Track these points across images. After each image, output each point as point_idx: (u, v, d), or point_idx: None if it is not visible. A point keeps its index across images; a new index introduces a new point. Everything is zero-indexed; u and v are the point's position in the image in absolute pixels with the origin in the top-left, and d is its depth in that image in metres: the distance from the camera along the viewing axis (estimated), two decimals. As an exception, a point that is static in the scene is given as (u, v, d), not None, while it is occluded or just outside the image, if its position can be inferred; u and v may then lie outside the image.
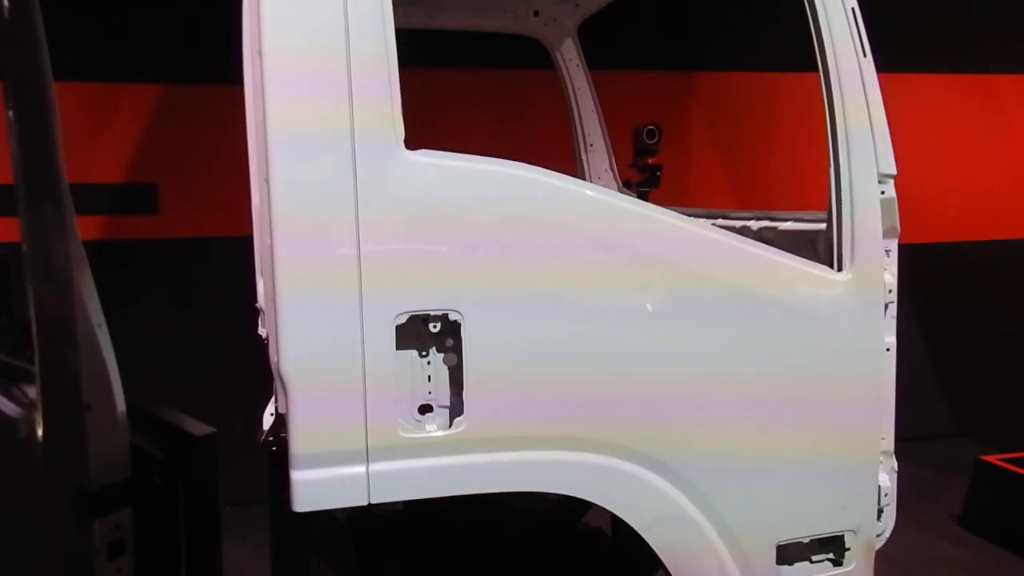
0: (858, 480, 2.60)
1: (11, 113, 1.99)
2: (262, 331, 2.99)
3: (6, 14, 1.93)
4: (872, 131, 2.52)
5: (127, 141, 5.58)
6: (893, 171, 2.54)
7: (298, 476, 2.10)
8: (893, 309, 2.61)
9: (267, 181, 2.05)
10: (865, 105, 2.52)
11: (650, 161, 4.02)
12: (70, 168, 5.29)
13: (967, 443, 7.06)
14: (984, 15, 7.14)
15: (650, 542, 2.39)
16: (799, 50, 2.64)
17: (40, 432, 1.97)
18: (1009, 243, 7.47)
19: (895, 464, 2.69)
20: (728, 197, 6.65)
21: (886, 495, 2.64)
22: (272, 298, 2.07)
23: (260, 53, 2.02)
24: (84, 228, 5.47)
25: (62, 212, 2.00)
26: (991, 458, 5.65)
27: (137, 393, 2.43)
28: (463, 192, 2.17)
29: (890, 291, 2.58)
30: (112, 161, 5.55)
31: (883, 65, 2.60)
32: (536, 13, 4.42)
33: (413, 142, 2.16)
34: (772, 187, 6.59)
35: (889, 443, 2.65)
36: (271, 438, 2.53)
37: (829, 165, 2.53)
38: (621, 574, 3.41)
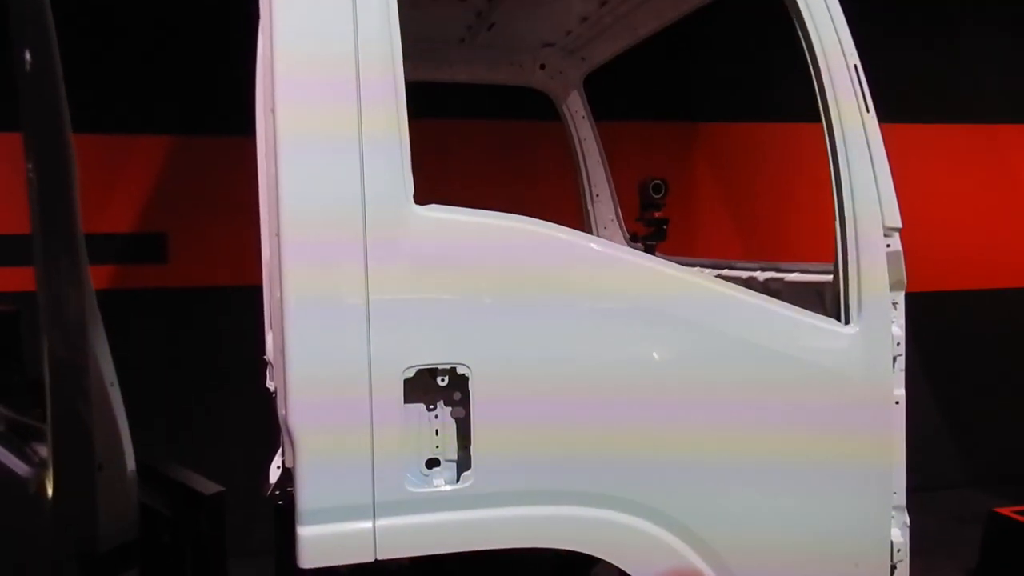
0: (870, 536, 2.56)
1: (31, 165, 2.01)
2: (270, 384, 2.99)
3: (28, 67, 1.96)
4: (877, 185, 2.53)
5: (137, 191, 5.64)
6: (898, 224, 2.55)
7: (304, 531, 2.09)
8: (902, 362, 2.59)
9: (278, 236, 2.07)
10: (869, 160, 2.54)
11: (656, 215, 4.05)
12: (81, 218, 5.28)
13: (980, 494, 6.97)
14: (986, 65, 7.22)
15: (660, 599, 2.36)
16: (804, 101, 2.67)
17: (50, 491, 1.96)
18: (1018, 291, 7.45)
19: (907, 519, 2.65)
20: (734, 247, 6.67)
21: (899, 551, 2.60)
22: (281, 351, 2.08)
23: (273, 110, 2.06)
24: (94, 277, 5.49)
25: (78, 266, 2.01)
26: (1005, 510, 5.57)
27: (145, 444, 2.42)
28: (471, 246, 2.19)
29: (898, 344, 2.57)
30: (122, 211, 5.61)
31: (887, 115, 2.62)
32: (542, 66, 4.49)
33: (420, 192, 2.18)
34: (778, 237, 6.60)
35: (901, 497, 2.61)
36: (277, 492, 2.52)
37: (834, 218, 2.55)
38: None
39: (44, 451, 2.02)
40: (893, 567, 2.59)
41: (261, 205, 3.05)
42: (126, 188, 5.63)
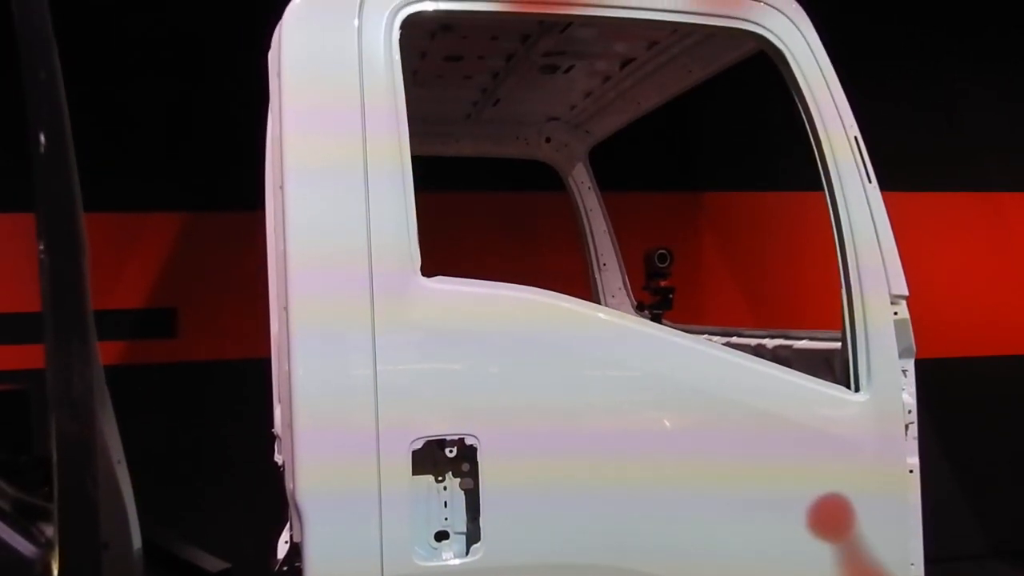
0: (888, 609, 2.51)
1: (42, 245, 2.04)
2: (278, 458, 2.98)
3: (43, 149, 2.01)
4: (881, 253, 2.55)
5: (147, 267, 5.70)
6: (905, 292, 2.56)
7: (312, 608, 2.06)
8: (914, 430, 2.57)
9: (286, 309, 2.09)
10: (873, 229, 2.56)
11: (662, 284, 4.07)
12: (91, 294, 5.34)
13: (1000, 566, 6.81)
14: (988, 134, 7.31)
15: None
16: (808, 170, 2.71)
17: (56, 572, 1.93)
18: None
19: (926, 591, 2.60)
20: (743, 314, 6.67)
21: (918, 623, 2.54)
22: (289, 425, 2.08)
23: (283, 187, 2.10)
24: (103, 353, 5.49)
25: (87, 344, 2.02)
26: (1027, 581, 5.43)
27: (154, 520, 2.40)
28: (478, 318, 2.21)
29: (909, 411, 2.56)
30: (132, 286, 5.66)
31: (889, 184, 2.65)
32: (548, 140, 4.58)
33: (427, 264, 2.21)
34: (787, 304, 6.61)
35: (919, 569, 2.57)
36: (285, 568, 2.48)
37: (840, 288, 2.56)
38: None
39: (50, 531, 2.01)
40: (913, 641, 2.53)
41: (270, 279, 3.09)
42: (136, 264, 5.69)
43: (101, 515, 1.97)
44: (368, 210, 2.12)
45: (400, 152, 2.18)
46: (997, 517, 7.30)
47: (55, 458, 1.93)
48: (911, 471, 2.54)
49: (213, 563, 2.25)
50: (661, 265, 3.88)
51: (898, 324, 2.54)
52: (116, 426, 2.09)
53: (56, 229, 2.06)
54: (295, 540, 2.23)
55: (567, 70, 3.55)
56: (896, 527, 2.51)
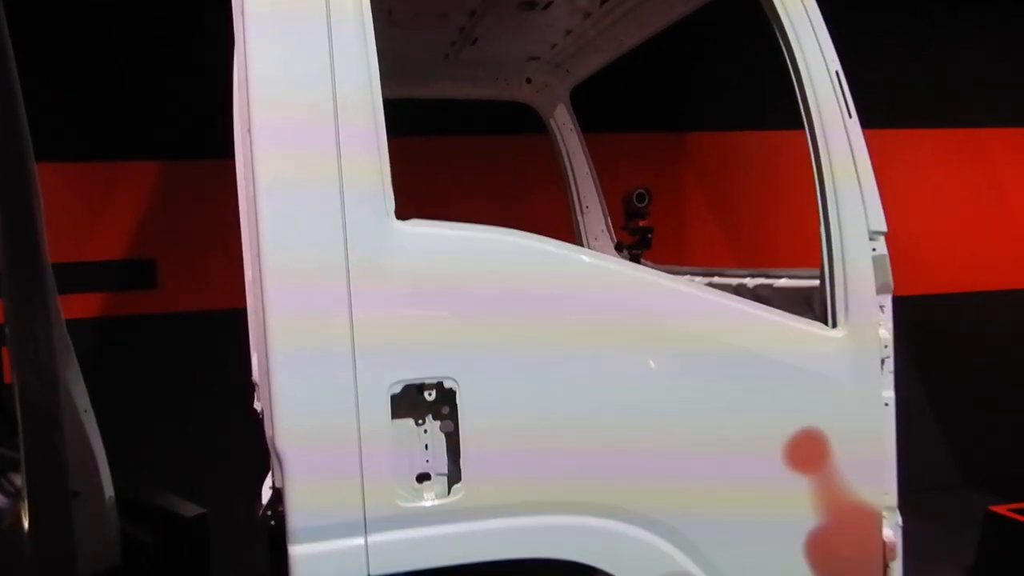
0: (862, 536, 2.56)
1: None
2: (257, 405, 2.99)
3: None
4: (860, 190, 2.55)
5: (125, 218, 5.64)
6: (883, 228, 2.56)
7: (296, 550, 2.08)
8: (890, 364, 2.60)
9: (258, 257, 2.07)
10: (853, 165, 2.55)
11: (641, 224, 4.06)
12: (70, 246, 5.34)
13: (975, 494, 6.97)
14: (968, 70, 7.27)
15: (654, 604, 2.35)
16: (789, 109, 2.69)
17: (26, 521, 1.95)
18: (1006, 293, 7.49)
19: (899, 519, 2.65)
20: (724, 255, 6.69)
21: (891, 550, 2.60)
22: (266, 372, 2.08)
23: (249, 130, 2.06)
24: (84, 305, 5.50)
25: (45, 297, 2.01)
26: (1000, 509, 5.57)
27: (137, 469, 2.41)
28: (455, 261, 2.19)
29: (886, 346, 2.58)
30: (111, 238, 5.61)
31: (870, 122, 2.64)
32: (528, 80, 4.51)
33: (407, 210, 2.19)
34: (768, 244, 6.63)
35: (892, 498, 2.62)
36: (269, 512, 2.50)
37: (819, 224, 2.56)
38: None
39: (20, 481, 2.02)
40: (886, 566, 2.60)
41: (242, 226, 3.05)
42: (113, 215, 5.63)
43: (69, 465, 1.98)
44: (339, 151, 2.08)
45: (371, 90, 2.13)
46: (971, 448, 7.46)
47: (19, 412, 1.93)
48: (886, 404, 2.57)
49: (189, 509, 2.26)
50: (640, 205, 3.87)
51: (876, 260, 2.55)
52: (81, 377, 2.09)
53: (6, 185, 2.02)
54: (277, 486, 2.24)
55: (546, 6, 3.48)
56: (871, 459, 2.56)
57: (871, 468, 2.56)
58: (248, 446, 3.61)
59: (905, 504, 2.67)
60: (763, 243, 6.66)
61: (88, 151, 5.50)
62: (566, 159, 4.65)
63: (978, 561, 5.64)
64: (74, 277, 5.36)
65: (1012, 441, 7.41)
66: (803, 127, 2.59)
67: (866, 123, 2.60)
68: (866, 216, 2.54)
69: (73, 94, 5.34)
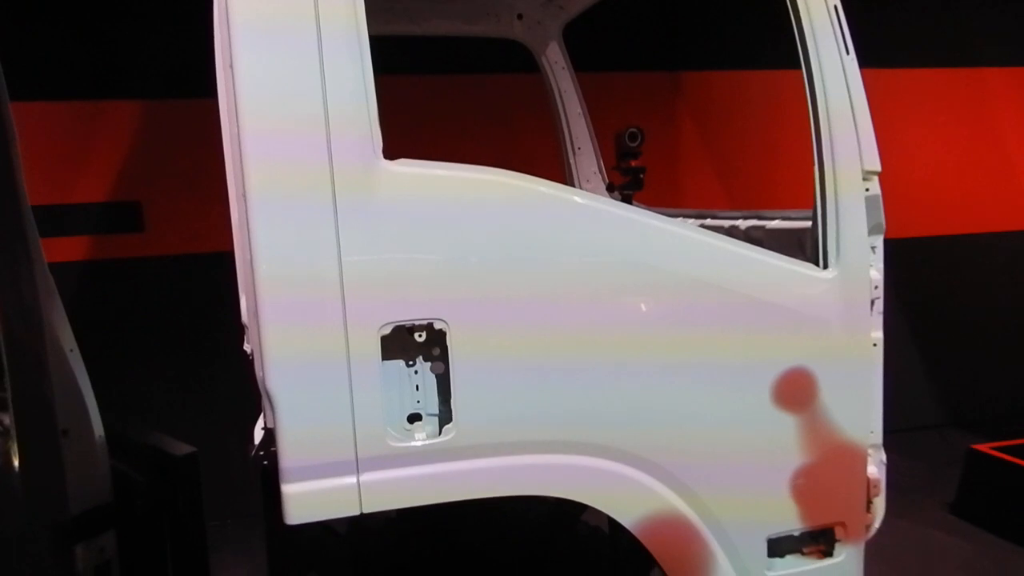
0: (847, 473, 2.60)
1: None
2: (247, 347, 2.98)
3: None
4: (856, 128, 2.52)
5: (109, 159, 5.56)
6: (877, 168, 2.55)
7: (289, 489, 2.10)
8: (880, 305, 2.61)
9: (244, 196, 2.04)
10: (848, 102, 2.52)
11: (633, 164, 4.01)
12: (53, 189, 5.27)
13: (958, 433, 7.09)
14: (969, 8, 7.16)
15: (642, 540, 2.39)
16: (784, 47, 2.64)
17: (16, 460, 1.96)
18: (997, 235, 7.49)
19: (884, 456, 2.70)
20: (717, 196, 6.66)
21: (875, 487, 2.65)
22: (255, 314, 2.07)
23: (231, 66, 2.01)
24: (70, 249, 5.46)
25: (26, 238, 1.99)
26: (982, 447, 5.67)
27: (128, 412, 2.42)
28: (444, 201, 2.17)
29: (876, 287, 2.58)
30: (95, 180, 5.53)
31: (868, 61, 2.60)
32: (520, 17, 4.42)
33: (397, 150, 2.15)
34: (762, 186, 6.60)
35: (877, 436, 2.66)
36: (262, 453, 2.52)
37: (813, 163, 2.54)
38: (619, 572, 3.41)
39: (8, 419, 2.03)
40: (869, 502, 2.64)
41: (227, 166, 3.01)
42: (97, 156, 5.54)
43: (57, 403, 1.99)
44: (324, 90, 2.04)
45: (356, 21, 2.07)
46: (956, 389, 7.55)
47: (5, 352, 1.93)
48: (875, 345, 2.59)
49: (179, 447, 2.27)
50: (631, 144, 3.81)
51: (869, 200, 2.54)
52: (65, 317, 2.08)
53: None
54: (269, 426, 2.25)
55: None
56: (858, 398, 2.58)
57: (858, 407, 2.58)
58: (239, 388, 3.64)
59: (889, 443, 2.71)
60: (756, 185, 6.63)
61: (68, 90, 5.40)
62: (558, 99, 4.58)
63: (959, 497, 5.76)
64: (59, 220, 5.31)
65: (996, 382, 7.51)
66: (799, 66, 2.55)
67: (863, 62, 2.56)
68: (860, 155, 2.52)
69: (52, 30, 5.22)
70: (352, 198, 2.06)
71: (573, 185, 4.52)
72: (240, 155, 2.03)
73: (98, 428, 2.12)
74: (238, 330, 3.26)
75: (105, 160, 5.54)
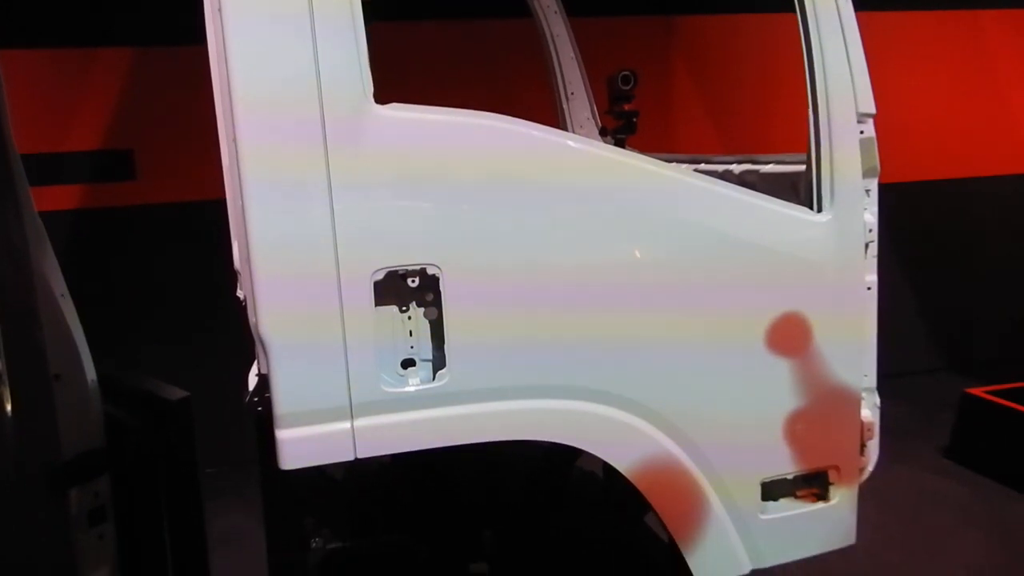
0: (841, 416, 2.62)
1: None
2: (240, 293, 2.98)
3: None
4: (850, 70, 2.49)
5: (100, 107, 5.49)
6: (872, 110, 2.52)
7: (283, 435, 2.11)
8: (874, 248, 2.61)
9: (235, 141, 2.01)
10: (843, 44, 2.49)
11: (626, 107, 3.98)
12: (42, 137, 5.21)
13: (953, 377, 7.15)
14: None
15: (637, 484, 2.42)
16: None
17: (8, 405, 1.97)
18: (992, 179, 7.48)
19: (878, 400, 2.72)
20: (711, 141, 6.62)
21: (869, 430, 2.67)
22: (247, 260, 2.06)
23: (220, 10, 1.97)
24: (62, 197, 5.42)
25: (13, 183, 1.97)
26: (977, 391, 5.73)
27: (122, 361, 2.42)
28: (436, 146, 2.14)
29: (870, 231, 2.58)
30: (86, 128, 5.47)
31: (863, 3, 2.56)
32: (511, -41, 4.34)
33: (387, 97, 2.12)
34: (755, 130, 6.55)
35: (871, 379, 2.67)
36: (256, 399, 2.53)
37: (808, 106, 2.51)
38: (614, 516, 3.46)
39: (1, 365, 2.04)
40: (863, 446, 2.67)
41: (217, 112, 2.97)
42: (88, 104, 5.48)
43: (48, 348, 1.99)
44: (314, 34, 2.00)
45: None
46: (950, 333, 7.60)
47: None
48: (869, 288, 2.59)
49: (173, 392, 2.28)
50: (625, 88, 3.78)
51: (863, 143, 2.52)
52: (56, 263, 2.07)
53: None
54: (262, 372, 2.26)
55: None
56: (852, 341, 2.59)
57: (852, 351, 2.60)
58: (232, 335, 3.64)
59: (883, 387, 2.73)
60: (750, 129, 6.58)
61: (58, 37, 5.31)
62: (551, 44, 4.52)
63: (953, 441, 5.84)
64: (50, 168, 5.26)
65: (991, 326, 7.56)
66: (794, 10, 2.51)
67: (858, 4, 2.52)
68: (855, 98, 2.50)
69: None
70: (343, 142, 2.04)
71: (567, 131, 4.48)
72: (230, 100, 2.00)
73: (90, 373, 2.13)
74: (230, 277, 3.26)
75: (96, 108, 5.48)
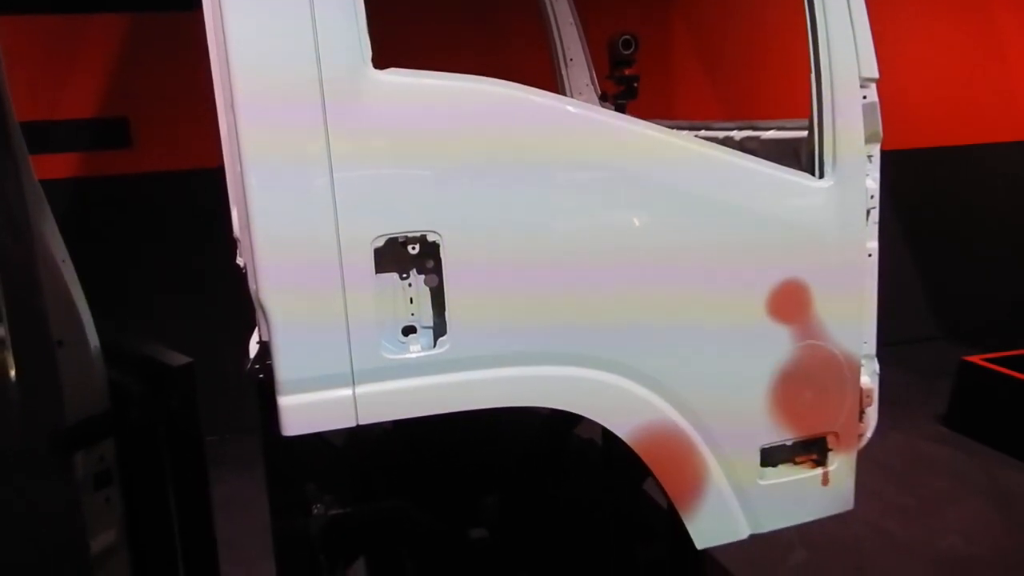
0: (841, 383, 2.63)
1: None
2: (240, 261, 2.97)
3: None
4: (854, 34, 2.47)
5: (95, 74, 5.44)
6: (875, 75, 2.50)
7: (285, 401, 2.12)
8: (875, 215, 2.60)
9: (232, 108, 1.99)
10: (847, 8, 2.46)
11: (627, 72, 3.94)
12: (36, 105, 5.17)
13: (951, 346, 7.17)
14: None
15: (636, 450, 2.43)
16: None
17: (12, 371, 1.97)
18: (993, 146, 7.44)
19: (877, 367, 2.72)
20: (712, 107, 6.57)
21: (868, 397, 2.68)
22: (247, 227, 2.05)
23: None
24: (57, 165, 5.39)
25: (13, 151, 1.96)
26: (974, 358, 5.75)
27: (122, 324, 2.41)
28: (435, 111, 2.12)
29: (872, 197, 2.57)
30: (80, 95, 5.43)
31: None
32: (510, -78, 4.28)
33: (386, 62, 2.10)
34: (757, 96, 6.50)
35: (871, 346, 2.68)
36: (257, 366, 2.53)
37: (810, 70, 2.49)
38: (612, 483, 3.48)
39: (2, 331, 2.05)
40: (862, 412, 2.68)
41: (214, 78, 2.94)
42: (82, 71, 5.43)
43: (50, 314, 1.99)
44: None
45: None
46: (949, 301, 7.61)
47: None
48: (870, 255, 2.58)
49: (176, 358, 2.29)
50: (626, 52, 3.74)
51: (866, 108, 2.50)
52: (56, 229, 2.06)
53: None
54: (264, 340, 2.26)
55: None
56: (852, 308, 2.59)
57: (851, 318, 2.59)
58: (232, 304, 3.64)
59: (882, 355, 2.73)
60: (752, 95, 6.54)
61: (53, 3, 5.25)
62: (550, 9, 4.47)
63: (950, 408, 5.87)
64: (44, 136, 5.23)
65: (991, 295, 7.57)
66: (796, -28, 2.48)
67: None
68: (858, 62, 2.47)
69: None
70: (342, 107, 2.02)
71: (565, 96, 4.44)
72: (227, 66, 1.98)
73: (93, 338, 2.13)
74: (229, 245, 3.25)
75: (89, 75, 5.43)
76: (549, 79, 4.59)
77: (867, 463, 2.76)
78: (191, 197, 5.38)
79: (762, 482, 2.60)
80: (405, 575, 3.28)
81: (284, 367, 2.09)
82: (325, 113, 2.01)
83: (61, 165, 5.38)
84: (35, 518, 2.13)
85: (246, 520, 4.43)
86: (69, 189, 5.39)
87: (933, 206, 7.31)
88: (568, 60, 4.48)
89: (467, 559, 3.06)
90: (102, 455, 2.18)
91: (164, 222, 5.62)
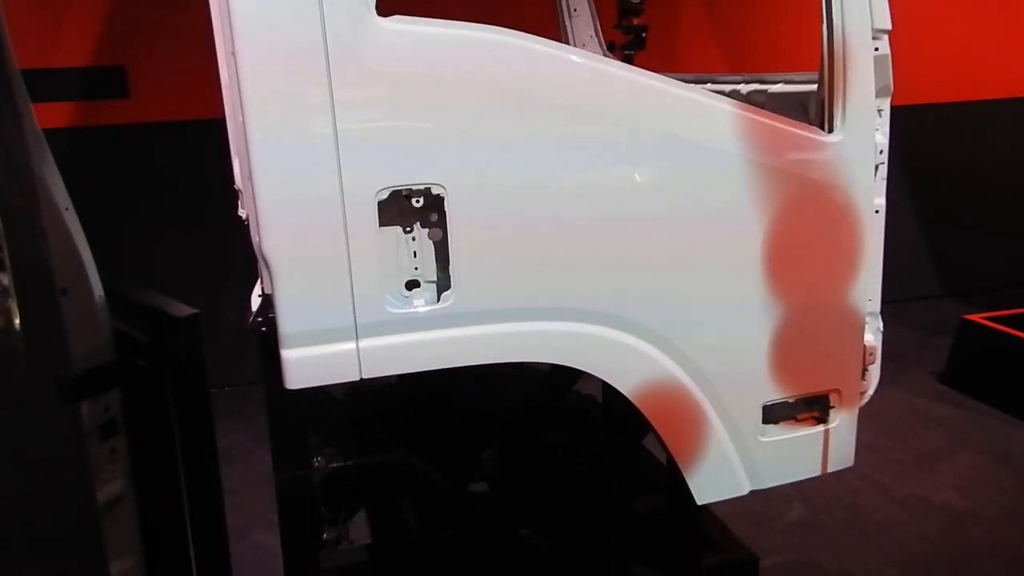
0: (844, 340, 2.62)
1: None
2: (242, 212, 2.95)
3: None
4: (867, -17, 2.41)
5: (89, 22, 5.34)
6: (888, 26, 2.45)
7: (288, 354, 2.11)
8: (883, 171, 2.57)
9: (233, 56, 1.95)
10: (860, -44, 2.40)
11: (635, 22, 3.87)
12: (33, 52, 5.09)
13: (953, 304, 7.18)
14: None
15: (638, 405, 2.43)
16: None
17: (17, 320, 1.96)
18: (1001, 102, 7.36)
19: (880, 324, 2.72)
20: (718, 61, 6.48)
21: (871, 354, 2.68)
22: (249, 178, 2.02)
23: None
24: (54, 115, 5.33)
25: (14, 99, 1.93)
26: (975, 317, 5.75)
27: (125, 275, 2.40)
28: (440, 61, 2.08)
29: (881, 152, 2.53)
30: (74, 43, 5.33)
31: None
32: None
33: (389, 10, 2.06)
34: (765, 49, 6.41)
35: (876, 304, 2.67)
36: (260, 319, 2.52)
37: (821, 20, 2.44)
38: (613, 439, 3.50)
39: (6, 280, 2.04)
40: (865, 369, 2.68)
41: (214, 26, 2.89)
42: (77, 18, 5.33)
43: (55, 262, 1.98)
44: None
45: None
46: (951, 260, 7.59)
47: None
48: (876, 211, 2.56)
49: (180, 309, 2.28)
50: (634, 1, 3.66)
51: (878, 60, 2.45)
52: (59, 177, 2.04)
53: None
54: (267, 292, 2.24)
55: None
56: (858, 265, 2.57)
57: (857, 273, 2.58)
58: (232, 256, 3.62)
59: (883, 312, 2.73)
60: (759, 48, 6.44)
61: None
62: (554, -42, 4.38)
63: (949, 366, 5.89)
64: (39, 84, 5.15)
65: (992, 253, 7.55)
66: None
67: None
68: (871, 12, 2.42)
69: None
70: (345, 57, 1.98)
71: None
72: (228, 13, 1.94)
73: (97, 288, 2.11)
74: (231, 197, 3.22)
75: (85, 23, 5.33)
76: (553, 31, 4.51)
77: (865, 418, 2.77)
78: (191, 148, 5.33)
79: (763, 438, 2.61)
80: (406, 527, 3.31)
81: (287, 320, 2.08)
82: (328, 61, 1.97)
83: (54, 115, 5.31)
84: (41, 468, 2.14)
85: (248, 471, 4.46)
86: (65, 139, 5.33)
87: (937, 162, 7.25)
88: (572, 11, 4.40)
89: (468, 512, 3.08)
90: (107, 405, 2.18)
91: (164, 173, 5.57)
